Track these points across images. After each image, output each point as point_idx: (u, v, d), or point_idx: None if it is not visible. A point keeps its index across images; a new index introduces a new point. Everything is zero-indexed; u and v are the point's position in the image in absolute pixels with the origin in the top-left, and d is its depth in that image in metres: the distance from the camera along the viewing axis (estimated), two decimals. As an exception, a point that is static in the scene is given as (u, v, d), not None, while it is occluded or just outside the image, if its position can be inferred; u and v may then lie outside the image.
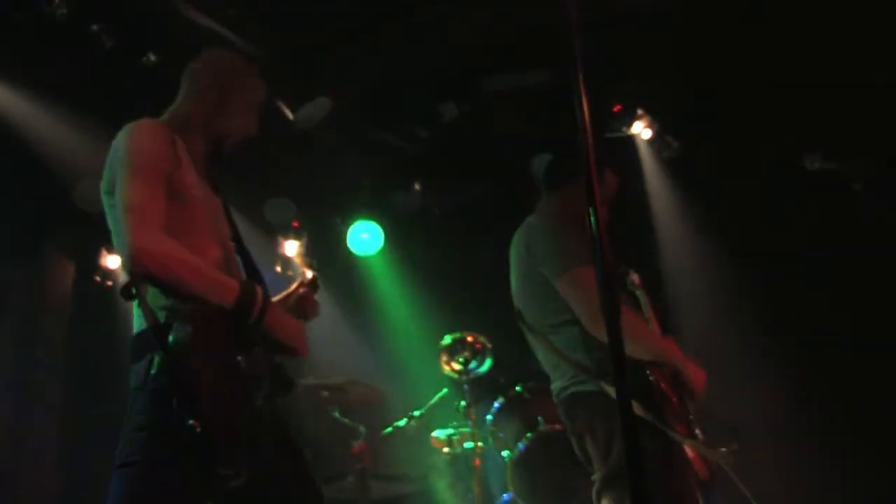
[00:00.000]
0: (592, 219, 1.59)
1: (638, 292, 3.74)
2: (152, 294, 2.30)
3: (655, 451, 3.06)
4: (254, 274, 2.59)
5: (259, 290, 2.37)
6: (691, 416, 3.29)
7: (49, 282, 5.85)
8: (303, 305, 2.75)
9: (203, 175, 2.59)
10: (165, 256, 2.24)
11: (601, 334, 3.02)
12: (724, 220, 5.90)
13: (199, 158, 2.61)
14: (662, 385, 3.22)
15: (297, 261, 2.91)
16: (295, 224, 6.16)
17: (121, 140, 2.42)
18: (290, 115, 5.48)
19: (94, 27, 4.63)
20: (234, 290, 2.32)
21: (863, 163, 4.85)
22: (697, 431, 3.29)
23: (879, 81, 5.11)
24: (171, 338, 2.16)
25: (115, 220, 2.34)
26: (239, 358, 2.27)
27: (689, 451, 3.25)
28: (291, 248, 4.99)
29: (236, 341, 2.30)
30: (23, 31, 4.59)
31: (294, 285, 2.81)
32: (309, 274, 2.84)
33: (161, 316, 2.26)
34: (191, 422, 2.08)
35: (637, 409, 3.07)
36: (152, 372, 2.19)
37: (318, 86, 5.53)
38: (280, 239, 5.13)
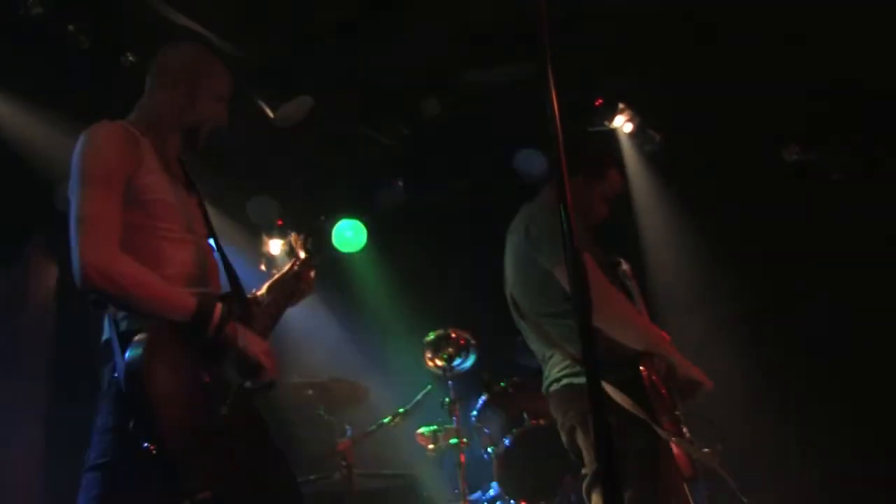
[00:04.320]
0: (563, 212, 1.59)
1: (628, 282, 3.74)
2: None
3: (644, 448, 3.06)
4: (231, 273, 2.60)
5: (218, 305, 2.31)
6: (678, 413, 3.28)
7: (31, 282, 5.80)
8: (299, 281, 2.80)
9: (175, 173, 2.56)
10: (115, 275, 2.19)
11: (600, 321, 2.99)
12: (706, 212, 5.92)
13: (171, 157, 2.58)
14: (654, 378, 3.20)
15: (293, 242, 2.95)
16: (279, 222, 6.16)
17: (78, 145, 2.36)
18: (271, 113, 5.46)
19: (71, 27, 4.59)
20: (190, 306, 2.27)
21: (840, 154, 4.88)
22: (684, 429, 3.28)
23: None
24: (127, 354, 2.15)
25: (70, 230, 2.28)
26: (201, 371, 2.25)
27: (674, 448, 3.24)
28: (276, 244, 4.98)
29: (198, 354, 2.27)
30: (-2, 31, 4.55)
31: (289, 264, 2.86)
32: (303, 254, 2.89)
33: (123, 325, 2.28)
34: (146, 445, 2.08)
35: (627, 404, 3.06)
36: (115, 376, 2.21)
37: (299, 84, 5.51)
38: (265, 237, 5.12)
